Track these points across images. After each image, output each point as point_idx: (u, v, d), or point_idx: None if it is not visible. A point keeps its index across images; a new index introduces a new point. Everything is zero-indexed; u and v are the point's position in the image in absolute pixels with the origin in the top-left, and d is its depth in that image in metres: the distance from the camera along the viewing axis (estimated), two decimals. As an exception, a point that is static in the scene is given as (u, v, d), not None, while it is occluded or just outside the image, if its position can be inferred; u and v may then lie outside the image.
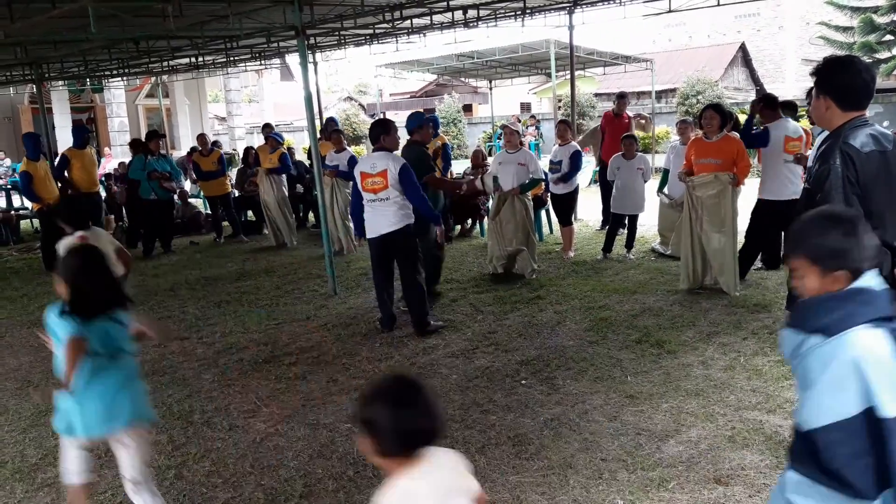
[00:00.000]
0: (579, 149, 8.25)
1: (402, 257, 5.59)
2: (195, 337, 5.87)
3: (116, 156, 19.73)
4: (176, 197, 12.08)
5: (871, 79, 2.65)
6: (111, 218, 11.77)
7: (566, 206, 8.19)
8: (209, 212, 11.15)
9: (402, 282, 5.71)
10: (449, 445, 3.63)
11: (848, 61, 2.69)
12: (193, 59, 14.63)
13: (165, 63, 15.00)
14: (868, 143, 2.61)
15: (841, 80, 2.66)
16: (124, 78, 18.82)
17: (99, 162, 11.17)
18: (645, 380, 4.40)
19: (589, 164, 15.68)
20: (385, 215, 5.45)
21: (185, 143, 21.53)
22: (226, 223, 10.94)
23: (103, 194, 11.45)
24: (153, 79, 20.27)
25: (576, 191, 8.29)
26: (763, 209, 6.51)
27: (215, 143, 11.75)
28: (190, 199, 12.65)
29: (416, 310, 5.59)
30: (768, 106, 6.60)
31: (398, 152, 5.86)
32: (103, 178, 13.00)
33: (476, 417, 4.00)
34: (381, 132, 5.57)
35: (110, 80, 18.72)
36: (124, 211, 12.07)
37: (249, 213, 11.57)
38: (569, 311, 6.00)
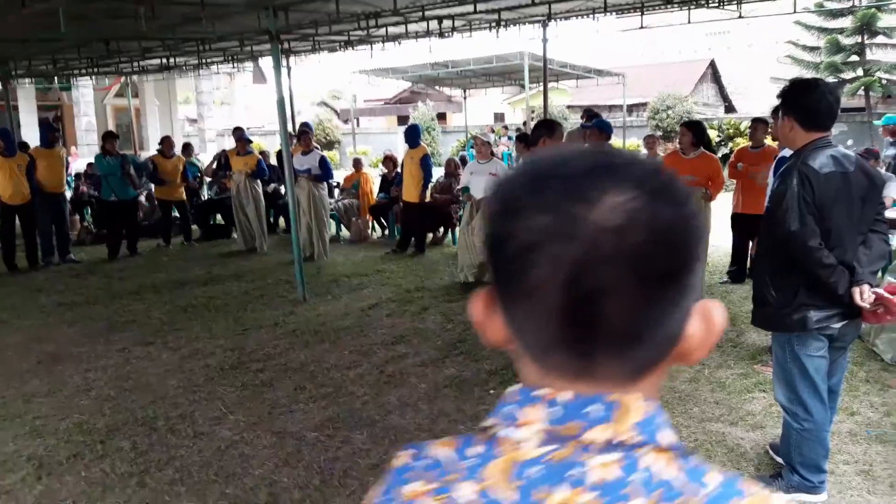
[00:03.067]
0: None
1: None
2: (160, 342, 5.78)
3: (83, 155, 19.38)
4: (142, 198, 11.91)
5: (834, 101, 2.71)
6: (76, 219, 11.56)
7: None
8: (177, 214, 11.00)
9: None
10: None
11: (812, 84, 2.76)
12: (165, 61, 14.45)
13: (136, 63, 14.79)
14: (828, 164, 2.68)
15: (805, 101, 2.73)
16: (93, 77, 18.52)
17: (67, 162, 10.93)
18: (611, 391, 4.44)
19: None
20: None
21: (153, 144, 21.21)
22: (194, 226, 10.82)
23: (69, 194, 11.23)
24: (123, 78, 19.98)
25: None
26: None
27: (187, 148, 11.56)
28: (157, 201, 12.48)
29: None
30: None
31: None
32: (72, 178, 12.76)
33: (444, 427, 4.00)
34: (545, 134, 4.84)
35: (79, 78, 18.40)
36: (90, 211, 11.87)
37: (218, 216, 11.45)
38: (538, 321, 6.04)
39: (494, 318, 0.63)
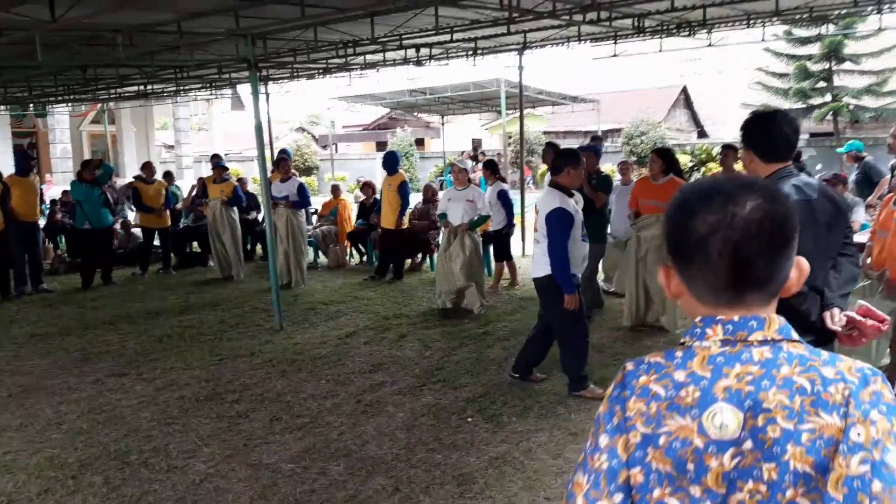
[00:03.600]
0: (505, 188, 8.48)
1: (548, 307, 4.97)
2: (134, 373, 5.71)
3: (58, 182, 19.19)
4: (117, 226, 11.79)
5: (792, 132, 2.74)
6: (50, 247, 11.41)
7: (504, 243, 8.34)
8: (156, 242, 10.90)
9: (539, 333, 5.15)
10: (393, 486, 3.62)
11: (769, 116, 2.79)
12: (142, 87, 14.43)
13: (113, 90, 14.76)
14: (791, 193, 2.73)
15: (762, 134, 2.76)
16: (69, 104, 18.43)
17: (41, 190, 10.83)
18: (588, 417, 4.46)
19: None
20: (536, 257, 4.88)
21: (130, 171, 21.11)
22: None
23: (43, 222, 11.09)
24: (99, 105, 19.90)
25: (509, 226, 8.29)
26: None
27: (168, 175, 11.49)
28: (133, 229, 12.38)
29: (567, 369, 4.90)
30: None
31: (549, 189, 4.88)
32: (46, 205, 12.60)
33: (421, 456, 3.98)
34: (567, 165, 4.75)
35: (54, 105, 18.30)
36: (63, 239, 11.73)
37: (194, 244, 11.38)
38: (516, 346, 6.04)
39: (674, 280, 1.09)
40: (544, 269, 4.73)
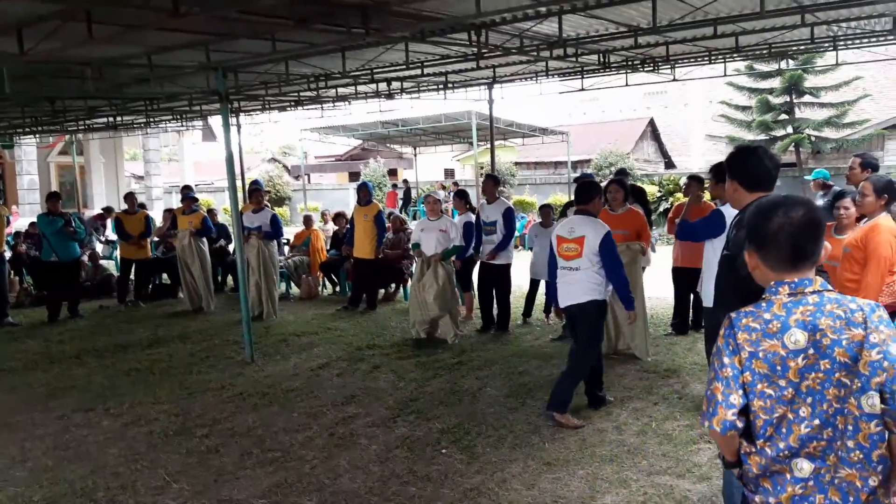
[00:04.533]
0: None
1: (581, 331, 5.02)
2: (101, 408, 5.59)
3: (24, 214, 18.87)
4: (85, 258, 11.60)
5: (773, 165, 2.96)
6: (15, 280, 11.19)
7: (466, 272, 8.29)
8: (119, 274, 10.74)
9: (570, 354, 5.15)
10: (366, 519, 3.58)
11: (752, 151, 3.01)
12: (112, 119, 14.35)
13: (82, 122, 14.64)
14: None
15: (746, 166, 2.94)
16: (37, 135, 18.21)
17: (8, 221, 10.61)
18: (562, 446, 4.48)
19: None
20: (573, 285, 4.95)
21: (98, 203, 20.84)
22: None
23: (8, 254, 10.87)
24: (67, 136, 19.69)
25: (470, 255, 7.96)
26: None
27: (142, 206, 11.39)
28: (101, 261, 12.20)
29: (560, 386, 4.91)
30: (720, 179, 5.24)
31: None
32: (10, 238, 12.37)
33: (396, 490, 3.96)
34: (596, 193, 5.06)
35: (22, 136, 18.07)
36: (26, 272, 11.50)
37: (164, 275, 11.24)
38: (490, 376, 6.07)
39: (754, 260, 1.91)
40: (587, 294, 4.88)
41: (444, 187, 23.34)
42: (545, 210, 8.34)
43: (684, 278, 6.86)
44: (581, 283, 4.89)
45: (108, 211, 16.62)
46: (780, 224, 1.82)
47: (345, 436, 4.82)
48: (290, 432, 4.92)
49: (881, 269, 4.33)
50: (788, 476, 1.82)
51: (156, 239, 11.37)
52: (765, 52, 9.62)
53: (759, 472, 1.87)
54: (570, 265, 4.95)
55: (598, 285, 4.91)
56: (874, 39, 8.98)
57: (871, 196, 4.40)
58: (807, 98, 21.43)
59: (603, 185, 6.17)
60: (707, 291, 4.70)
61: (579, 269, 4.89)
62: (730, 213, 4.56)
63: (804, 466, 1.80)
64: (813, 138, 21.38)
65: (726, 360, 1.83)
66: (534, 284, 8.23)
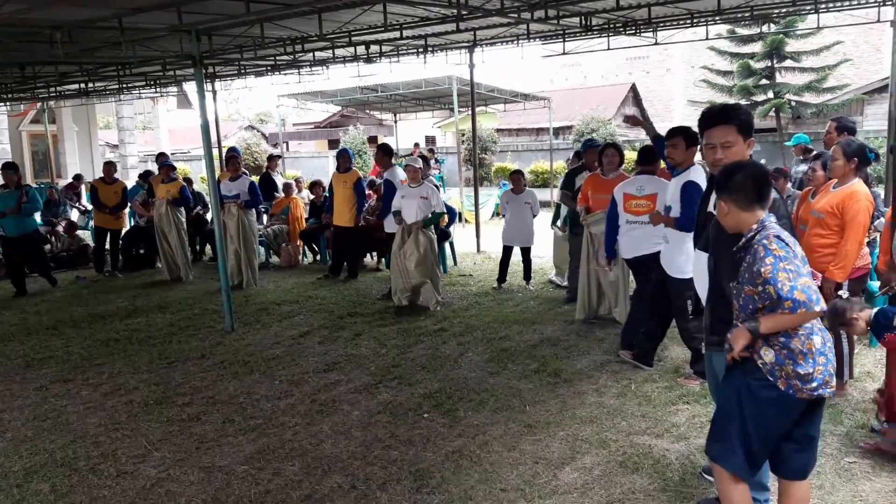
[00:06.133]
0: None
1: (649, 281, 5.25)
2: (80, 378, 5.54)
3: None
4: (60, 228, 11.43)
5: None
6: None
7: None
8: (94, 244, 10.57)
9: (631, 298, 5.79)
10: (349, 483, 3.60)
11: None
12: (83, 86, 14.00)
13: (53, 89, 14.28)
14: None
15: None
16: (7, 103, 17.76)
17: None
18: (542, 409, 4.52)
19: (490, 196, 16.06)
20: (643, 238, 5.37)
21: (71, 171, 20.45)
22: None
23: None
24: (39, 104, 19.23)
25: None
26: None
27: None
28: (77, 231, 12.01)
29: (683, 334, 5.04)
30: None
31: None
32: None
33: (378, 454, 3.97)
34: (657, 157, 5.48)
35: (-9, 104, 17.63)
36: None
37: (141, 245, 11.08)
38: (471, 342, 6.09)
39: (747, 205, 2.70)
40: (657, 245, 5.05)
41: (425, 155, 23.15)
42: (516, 176, 8.30)
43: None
44: (651, 236, 5.24)
45: (77, 179, 16.33)
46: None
47: (327, 402, 4.82)
48: (272, 399, 4.91)
49: (860, 238, 4.33)
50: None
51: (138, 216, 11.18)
52: (747, 14, 9.57)
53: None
54: (639, 220, 5.39)
55: (663, 237, 5.09)
56: (855, 2, 8.96)
57: (841, 160, 4.38)
58: (788, 63, 21.45)
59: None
60: (676, 264, 4.75)
61: (649, 223, 5.16)
62: (699, 178, 4.54)
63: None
64: (793, 103, 21.45)
65: (798, 262, 2.52)
66: (507, 251, 8.21)
